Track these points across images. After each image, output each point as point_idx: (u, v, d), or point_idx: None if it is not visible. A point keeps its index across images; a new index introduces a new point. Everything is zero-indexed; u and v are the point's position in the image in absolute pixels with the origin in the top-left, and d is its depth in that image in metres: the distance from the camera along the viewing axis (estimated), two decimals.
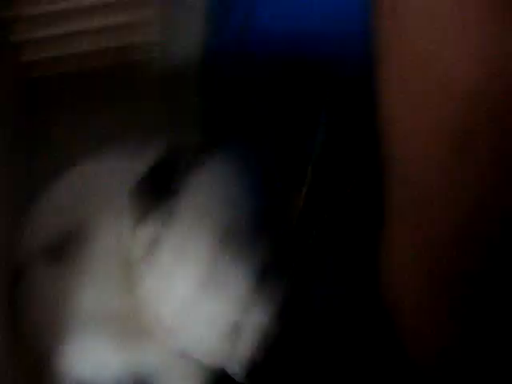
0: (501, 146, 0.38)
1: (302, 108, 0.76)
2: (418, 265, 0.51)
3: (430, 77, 0.39)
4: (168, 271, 0.56)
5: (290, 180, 0.67)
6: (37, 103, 0.93)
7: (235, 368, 0.56)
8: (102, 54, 0.88)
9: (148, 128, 0.91)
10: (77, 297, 0.62)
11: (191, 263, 0.56)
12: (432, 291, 0.53)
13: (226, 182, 0.61)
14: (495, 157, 0.39)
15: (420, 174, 0.45)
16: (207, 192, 0.60)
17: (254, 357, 0.55)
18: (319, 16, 0.80)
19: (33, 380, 0.67)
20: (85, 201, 0.67)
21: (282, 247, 0.62)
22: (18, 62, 0.86)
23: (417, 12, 0.40)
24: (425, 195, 0.45)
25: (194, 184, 0.60)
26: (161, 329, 0.57)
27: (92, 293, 0.63)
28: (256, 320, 0.56)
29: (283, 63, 0.85)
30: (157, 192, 0.60)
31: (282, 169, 0.69)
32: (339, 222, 0.66)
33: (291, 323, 0.59)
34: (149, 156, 0.74)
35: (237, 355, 0.55)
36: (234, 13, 0.85)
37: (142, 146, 0.73)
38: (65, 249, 0.65)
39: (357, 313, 0.65)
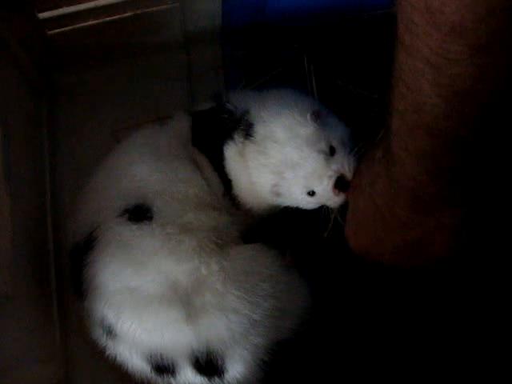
0: None
1: None
2: None
3: None
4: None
5: None
6: (57, 59, 0.91)
7: None
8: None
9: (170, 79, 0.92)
10: (152, 263, 0.66)
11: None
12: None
13: None
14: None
15: None
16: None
17: None
18: None
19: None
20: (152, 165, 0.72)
21: None
22: (35, 18, 0.83)
23: None
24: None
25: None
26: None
27: (164, 263, 0.66)
28: None
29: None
30: (232, 118, 0.73)
31: None
32: None
33: None
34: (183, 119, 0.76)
35: None
36: None
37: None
38: (141, 211, 0.68)
39: None
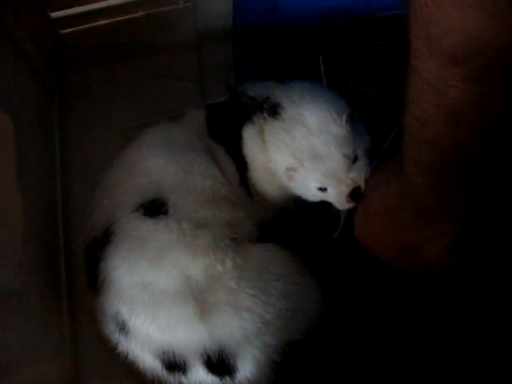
0: None
1: None
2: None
3: None
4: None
5: None
6: (69, 58, 0.92)
7: None
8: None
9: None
10: (167, 258, 0.65)
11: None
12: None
13: None
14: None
15: None
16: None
17: None
18: None
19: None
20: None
21: None
22: (48, 17, 0.84)
23: None
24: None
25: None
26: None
27: (179, 258, 0.65)
28: None
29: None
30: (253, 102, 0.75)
31: None
32: None
33: None
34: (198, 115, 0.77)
35: None
36: None
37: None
38: (157, 206, 0.68)
39: None
